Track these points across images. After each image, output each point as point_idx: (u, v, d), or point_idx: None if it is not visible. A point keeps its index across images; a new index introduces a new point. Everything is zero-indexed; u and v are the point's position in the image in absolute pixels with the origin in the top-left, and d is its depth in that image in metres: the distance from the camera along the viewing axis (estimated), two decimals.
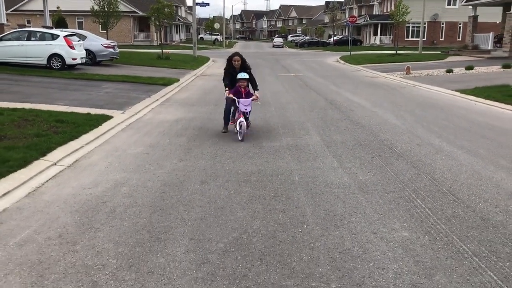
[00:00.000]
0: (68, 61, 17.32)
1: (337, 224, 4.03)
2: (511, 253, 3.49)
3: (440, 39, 56.27)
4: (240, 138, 7.28)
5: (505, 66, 21.80)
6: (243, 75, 7.57)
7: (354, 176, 5.46)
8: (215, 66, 25.72)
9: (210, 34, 74.50)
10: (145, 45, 45.90)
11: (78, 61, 17.78)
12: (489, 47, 31.99)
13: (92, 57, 20.03)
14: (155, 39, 49.09)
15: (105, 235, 3.79)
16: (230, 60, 7.86)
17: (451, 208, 4.43)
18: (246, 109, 7.36)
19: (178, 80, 16.73)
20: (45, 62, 17.26)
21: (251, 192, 4.87)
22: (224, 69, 7.97)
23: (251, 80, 7.80)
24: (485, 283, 3.06)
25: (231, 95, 7.51)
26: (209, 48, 51.78)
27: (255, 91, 7.75)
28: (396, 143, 7.25)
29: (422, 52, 37.85)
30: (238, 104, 7.40)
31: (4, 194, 4.71)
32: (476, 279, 3.10)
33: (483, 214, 4.28)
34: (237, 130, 7.39)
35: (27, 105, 9.48)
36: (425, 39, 54.73)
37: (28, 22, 44.83)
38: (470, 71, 21.43)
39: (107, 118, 8.93)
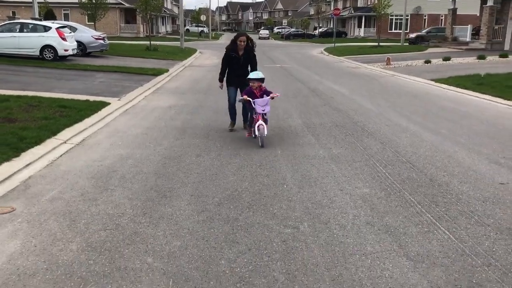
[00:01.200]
0: (60, 52, 17.85)
1: (311, 184, 4.89)
2: (447, 202, 4.38)
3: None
4: (260, 144, 6.40)
5: (480, 57, 22.95)
6: (256, 74, 6.70)
7: (328, 150, 6.33)
8: (203, 57, 26.39)
9: (196, 26, 74.74)
10: (132, 37, 46.16)
11: (70, 52, 18.32)
12: (468, 39, 33.20)
13: (82, 49, 20.56)
14: (142, 30, 49.34)
15: (119, 194, 4.59)
16: (234, 41, 7.18)
17: (407, 172, 5.32)
18: (263, 110, 6.44)
19: (167, 71, 17.40)
20: (37, 53, 17.75)
21: (240, 162, 5.70)
22: (224, 54, 7.33)
23: (253, 67, 7.23)
24: (422, 221, 3.95)
25: (245, 97, 6.57)
26: (196, 39, 52.22)
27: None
28: (368, 124, 8.14)
29: (404, 44, 38.98)
30: (254, 105, 6.47)
31: (27, 165, 5.46)
32: (416, 219, 3.98)
33: (432, 176, 5.18)
34: (255, 135, 6.56)
35: (29, 93, 10.13)
36: (408, 31, 55.93)
37: (14, 13, 44.65)
38: (447, 61, 22.50)
39: (105, 104, 9.64)
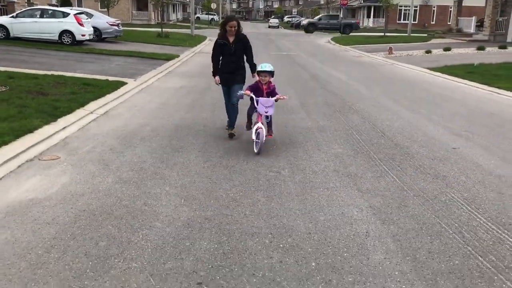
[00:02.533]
0: (78, 37, 19.01)
1: (296, 146, 5.98)
2: (403, 159, 5.46)
3: (432, 22, 57.62)
4: (256, 150, 5.53)
5: (480, 48, 23.70)
6: (268, 66, 5.76)
7: (316, 122, 7.41)
8: (212, 44, 27.39)
9: (206, 14, 75.53)
10: (143, 24, 47.20)
11: (87, 37, 19.47)
12: (472, 30, 33.81)
13: (98, 34, 21.65)
14: (153, 18, 50.36)
15: (141, 149, 5.72)
16: (223, 24, 6.19)
17: (377, 139, 6.40)
18: (266, 112, 5.59)
19: (178, 56, 18.48)
20: (56, 37, 18.92)
21: (241, 131, 6.81)
22: (214, 42, 6.35)
23: (249, 57, 6.30)
24: (378, 170, 5.03)
25: (247, 92, 5.75)
26: (206, 27, 53.10)
27: (253, 74, 6.23)
28: (357, 104, 9.19)
29: (411, 34, 39.56)
30: (257, 104, 5.64)
31: (63, 128, 6.61)
32: (373, 169, 5.07)
33: (397, 142, 6.25)
34: (253, 139, 5.60)
35: (54, 72, 11.29)
36: (416, 22, 56.26)
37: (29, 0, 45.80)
38: (447, 52, 23.29)
39: (123, 83, 10.77)
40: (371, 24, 58.75)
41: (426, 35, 37.46)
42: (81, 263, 3.02)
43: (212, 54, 6.37)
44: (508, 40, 29.35)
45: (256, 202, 4.08)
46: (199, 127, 7.01)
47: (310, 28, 40.25)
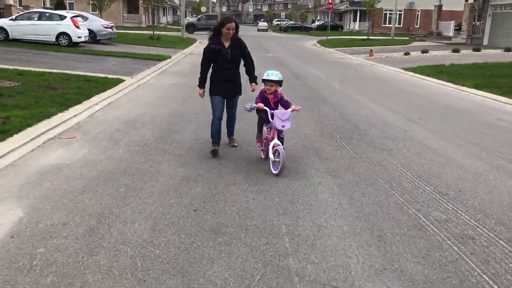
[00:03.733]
0: (74, 39, 20.01)
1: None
2: (360, 138, 6.66)
3: (416, 26, 59.32)
4: (275, 172, 4.87)
5: (455, 51, 25.19)
6: (272, 74, 5.10)
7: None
8: (202, 47, 28.46)
9: (196, 17, 76.52)
10: (134, 27, 48.11)
11: (82, 39, 20.48)
12: (451, 34, 35.42)
13: (93, 36, 22.66)
14: (144, 20, 51.34)
15: (143, 131, 6.83)
16: (219, 28, 5.34)
17: (342, 124, 7.60)
18: (283, 126, 4.92)
19: (170, 57, 19.59)
20: (54, 39, 19.91)
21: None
22: (205, 48, 5.51)
23: (248, 65, 5.65)
24: (337, 145, 6.22)
25: (261, 105, 5.05)
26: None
27: (252, 84, 5.65)
28: (330, 98, 10.40)
29: (394, 38, 41.09)
30: (271, 117, 4.96)
31: (75, 115, 7.70)
32: (334, 144, 6.25)
33: (358, 126, 7.46)
34: (272, 159, 4.92)
35: (57, 71, 12.34)
36: (401, 26, 57.93)
37: (20, 2, 46.50)
38: (424, 54, 24.71)
39: (121, 80, 11.87)
40: (357, 28, 60.33)
41: (408, 38, 38.97)
42: (107, 200, 4.14)
43: (201, 62, 5.49)
44: (484, 43, 30.96)
45: (238, 164, 5.24)
46: (191, 115, 8.15)
47: (189, 29, 41.81)
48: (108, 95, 9.83)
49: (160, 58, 18.36)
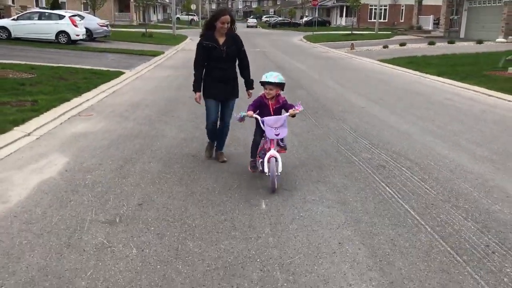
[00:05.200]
0: (73, 37, 21.37)
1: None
2: (329, 116, 8.21)
3: (401, 21, 60.94)
4: (271, 188, 4.29)
5: (430, 43, 26.89)
6: (274, 76, 4.41)
7: None
8: (193, 43, 29.93)
9: (186, 15, 77.83)
10: (126, 25, 49.26)
11: (80, 37, 21.85)
12: (430, 27, 37.18)
13: (89, 34, 24.01)
14: (135, 19, 52.53)
15: (147, 111, 8.33)
16: (213, 20, 4.73)
17: (312, 103, 9.15)
18: (277, 134, 4.34)
19: (163, 53, 21.02)
20: (53, 37, 21.24)
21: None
22: (197, 45, 4.88)
23: (243, 67, 5.02)
24: (305, 118, 7.76)
25: (250, 113, 4.42)
26: (186, 28, 55.47)
27: (249, 91, 5.11)
28: (307, 85, 11.96)
29: (378, 32, 42.79)
30: (263, 125, 4.38)
31: (87, 100, 9.16)
32: (301, 118, 7.80)
33: (325, 105, 9.02)
34: (266, 172, 4.31)
35: (63, 65, 13.75)
36: (386, 20, 59.63)
37: (13, 1, 47.42)
38: (402, 47, 26.37)
39: (121, 73, 13.33)
40: (343, 23, 61.92)
41: (390, 32, 40.66)
42: (128, 151, 5.65)
43: (194, 61, 4.88)
44: (461, 36, 32.72)
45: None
46: (186, 99, 9.64)
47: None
48: (112, 85, 11.30)
49: (154, 54, 19.78)
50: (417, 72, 15.36)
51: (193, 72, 4.99)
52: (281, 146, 4.63)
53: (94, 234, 3.43)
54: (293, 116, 4.43)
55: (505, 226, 3.67)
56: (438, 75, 14.23)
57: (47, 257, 3.10)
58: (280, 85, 4.48)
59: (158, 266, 3.00)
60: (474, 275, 2.94)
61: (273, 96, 4.49)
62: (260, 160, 4.65)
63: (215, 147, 5.43)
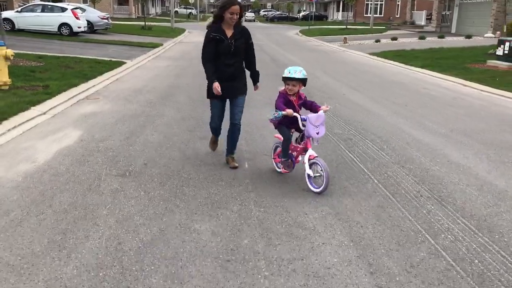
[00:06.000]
0: (75, 29, 22.15)
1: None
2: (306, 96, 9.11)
3: (396, 16, 61.68)
4: (316, 190, 4.10)
5: (421, 38, 27.74)
6: (296, 71, 4.17)
7: (263, 85, 11.05)
8: (191, 36, 30.74)
9: (184, 8, 78.35)
10: (124, 18, 49.92)
11: (82, 29, 22.63)
12: (423, 22, 38.02)
13: (91, 26, 24.78)
14: (134, 12, 53.15)
15: (148, 96, 9.19)
16: (221, 12, 4.42)
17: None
18: (318, 133, 4.17)
19: (162, 45, 21.84)
20: (56, 29, 22.02)
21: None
22: (205, 37, 4.50)
23: (250, 60, 4.76)
24: None
25: (290, 111, 4.11)
26: (184, 21, 56.14)
27: (257, 84, 4.93)
28: None
29: (373, 27, 43.58)
30: (302, 125, 4.19)
31: (93, 86, 10.02)
32: None
33: (310, 92, 9.89)
34: (311, 175, 4.15)
35: (68, 55, 14.58)
36: (382, 15, 60.35)
37: None
38: (394, 41, 27.21)
39: (123, 63, 14.17)
40: (340, 18, 62.65)
41: (384, 27, 41.46)
42: (133, 127, 6.52)
43: (203, 54, 4.49)
44: (452, 31, 33.56)
45: None
46: (184, 86, 10.52)
47: None
48: (115, 73, 12.15)
49: (153, 46, 20.60)
50: (402, 65, 16.24)
51: (204, 67, 4.46)
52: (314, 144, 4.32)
53: (110, 183, 4.32)
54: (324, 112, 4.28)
55: (437, 180, 4.57)
56: (422, 67, 15.12)
57: (74, 196, 3.99)
58: (303, 81, 4.22)
59: (161, 203, 3.90)
60: (402, 209, 3.85)
61: (296, 92, 4.25)
62: (281, 159, 4.48)
63: (225, 151, 5.05)
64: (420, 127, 6.91)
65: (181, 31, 33.60)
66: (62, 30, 22.05)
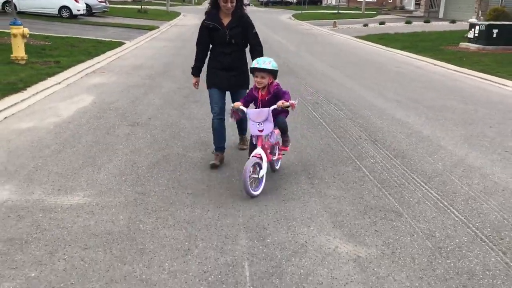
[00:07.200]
0: (74, 11, 23.08)
1: None
2: (289, 76, 10.34)
3: (389, 1, 62.45)
4: (254, 193, 3.71)
5: (407, 22, 28.85)
6: (266, 62, 3.88)
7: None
8: (186, 19, 31.68)
9: None
10: (121, 1, 50.45)
11: (81, 12, 23.56)
12: (412, 7, 39.06)
13: (89, 9, 25.68)
14: None
15: (147, 71, 10.37)
16: (215, 0, 4.26)
17: (282, 68, 11.23)
18: (261, 131, 3.77)
19: (158, 27, 22.86)
20: (56, 12, 22.94)
21: None
22: (201, 23, 4.40)
23: (253, 49, 4.45)
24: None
25: (237, 104, 3.91)
26: (180, 5, 56.78)
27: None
28: (282, 55, 14.02)
29: (365, 12, 44.56)
30: (248, 118, 3.86)
31: (98, 62, 11.18)
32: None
33: (294, 70, 11.11)
34: (247, 176, 3.59)
35: (71, 36, 15.67)
36: (375, 0, 61.12)
37: None
38: (381, 25, 28.30)
39: (123, 43, 15.28)
40: (334, 2, 63.35)
41: (375, 12, 42.45)
42: (137, 94, 7.73)
43: (197, 41, 4.45)
44: (440, 16, 34.66)
45: None
46: (179, 63, 11.70)
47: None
48: (116, 52, 13.29)
49: (150, 28, 21.64)
50: (383, 47, 17.45)
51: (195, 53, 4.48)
52: (272, 146, 4.04)
53: (123, 130, 5.58)
54: (282, 109, 3.74)
55: (377, 129, 5.86)
56: (401, 49, 16.33)
57: (96, 138, 5.24)
58: (274, 73, 3.85)
59: (163, 141, 5.17)
60: (343, 146, 5.14)
61: (264, 85, 3.82)
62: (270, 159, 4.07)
63: (238, 135, 5.03)
64: (379, 96, 8.17)
65: (176, 14, 34.50)
66: (62, 13, 22.98)
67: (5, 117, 6.05)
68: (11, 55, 9.65)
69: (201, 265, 2.77)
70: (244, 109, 3.87)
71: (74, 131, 5.47)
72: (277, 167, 4.33)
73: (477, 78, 10.58)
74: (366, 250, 2.95)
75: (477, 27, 15.33)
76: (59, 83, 8.44)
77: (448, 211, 3.58)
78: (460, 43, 16.34)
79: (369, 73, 10.94)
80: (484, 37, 15.00)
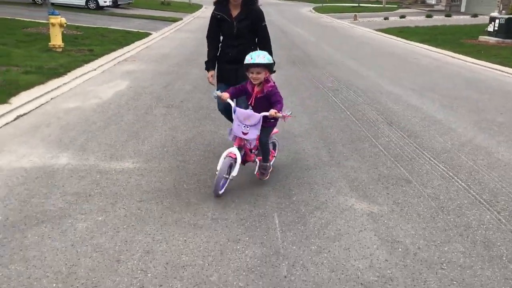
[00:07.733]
0: (101, 3, 23.87)
1: None
2: (309, 63, 10.78)
3: None
4: (214, 188, 3.53)
5: (428, 16, 28.85)
6: (259, 56, 3.52)
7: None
8: (208, 11, 32.19)
9: None
10: None
11: (108, 3, 24.33)
12: (433, 1, 38.81)
13: (115, 1, 26.41)
14: None
15: (174, 59, 10.93)
16: None
17: (302, 58, 11.68)
18: (245, 133, 3.57)
19: (181, 19, 23.46)
20: (83, 3, 23.75)
21: None
22: (211, 14, 4.28)
23: (261, 45, 4.26)
24: (294, 66, 10.34)
25: (225, 95, 3.66)
26: None
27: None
28: (302, 45, 14.44)
29: (386, 5, 44.40)
30: (235, 116, 3.61)
31: (128, 51, 11.80)
32: (292, 66, 10.36)
33: (313, 59, 11.54)
34: (222, 177, 3.50)
35: (100, 26, 16.35)
36: None
37: None
38: (402, 19, 28.38)
39: (149, 34, 15.90)
40: None
41: (396, 6, 42.29)
42: (167, 80, 8.29)
43: (207, 35, 4.43)
44: (462, 10, 34.45)
45: None
46: (204, 52, 12.19)
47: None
48: (144, 42, 13.91)
49: (173, 20, 22.25)
50: (403, 40, 17.68)
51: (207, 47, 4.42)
52: (250, 149, 3.77)
53: (159, 110, 6.14)
54: (273, 118, 3.55)
55: (393, 113, 6.30)
56: (420, 42, 16.56)
57: (137, 116, 5.82)
58: (267, 67, 3.53)
59: (197, 121, 5.72)
60: (361, 126, 5.61)
61: (259, 81, 3.56)
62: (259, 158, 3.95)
63: None
64: (396, 85, 8.57)
65: (199, 6, 35.08)
66: (89, 4, 23.78)
67: (52, 98, 6.68)
68: (49, 43, 10.33)
69: (238, 214, 3.30)
70: (233, 104, 3.63)
71: (115, 110, 6.06)
72: (266, 173, 3.85)
73: (494, 70, 10.85)
74: (378, 208, 3.44)
75: (497, 21, 15.46)
76: (95, 69, 9.07)
77: (453, 180, 4.03)
78: (480, 36, 16.47)
79: (388, 64, 11.30)
80: (504, 30, 15.13)
